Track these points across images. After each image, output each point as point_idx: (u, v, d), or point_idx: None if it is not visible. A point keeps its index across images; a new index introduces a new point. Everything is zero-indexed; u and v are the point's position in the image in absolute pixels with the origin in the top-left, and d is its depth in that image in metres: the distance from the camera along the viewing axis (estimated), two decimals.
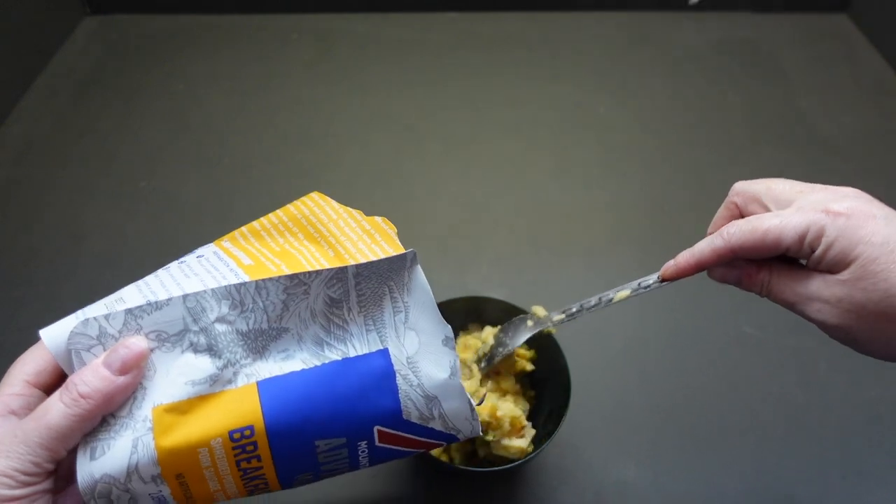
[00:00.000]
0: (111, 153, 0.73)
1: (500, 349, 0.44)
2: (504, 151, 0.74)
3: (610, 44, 0.89)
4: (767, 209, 0.33)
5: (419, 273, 0.29)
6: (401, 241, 0.33)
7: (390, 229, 0.32)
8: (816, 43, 0.90)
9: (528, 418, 0.48)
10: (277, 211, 0.34)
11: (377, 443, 0.30)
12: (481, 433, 0.31)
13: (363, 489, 0.47)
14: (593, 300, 0.39)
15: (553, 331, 0.47)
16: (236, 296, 0.28)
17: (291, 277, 0.28)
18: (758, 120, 0.78)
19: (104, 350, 0.27)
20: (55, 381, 0.29)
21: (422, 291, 0.29)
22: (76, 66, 0.85)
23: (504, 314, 0.49)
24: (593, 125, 0.77)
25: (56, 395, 0.27)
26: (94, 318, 0.27)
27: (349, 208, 0.33)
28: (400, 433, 0.30)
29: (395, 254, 0.29)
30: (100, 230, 0.65)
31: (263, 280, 0.28)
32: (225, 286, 0.28)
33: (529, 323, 0.44)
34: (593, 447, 0.50)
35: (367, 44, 0.88)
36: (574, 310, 0.41)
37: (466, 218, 0.67)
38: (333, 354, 0.29)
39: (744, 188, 0.35)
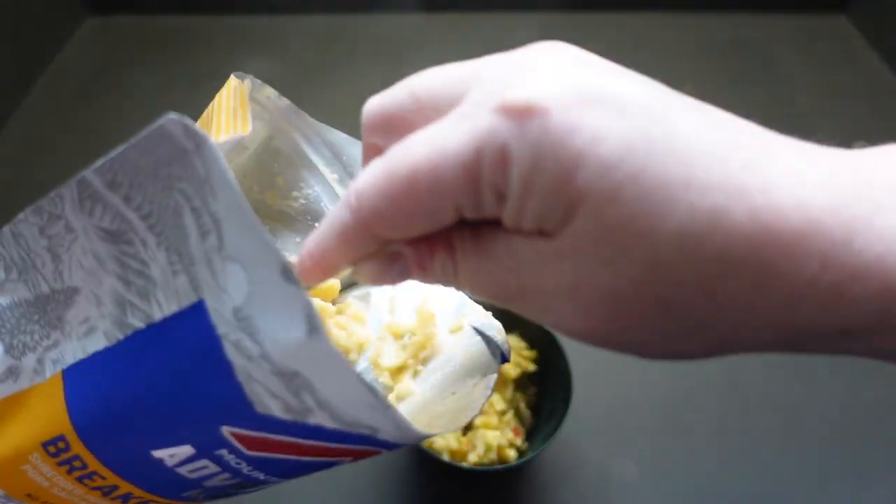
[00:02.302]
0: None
1: None
2: None
3: (610, 44, 0.89)
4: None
5: (216, 157, 0.15)
6: None
7: (248, 87, 0.21)
8: (815, 43, 0.90)
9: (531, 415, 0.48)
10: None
11: (247, 452, 0.19)
12: (425, 433, 0.18)
13: (362, 487, 0.47)
14: None
15: None
16: (4, 253, 0.20)
17: (38, 211, 0.19)
18: (757, 120, 0.77)
19: None
20: None
21: (227, 189, 0.15)
22: (77, 67, 0.85)
23: (504, 314, 0.49)
24: None
25: None
26: None
27: (239, 83, 0.22)
28: (269, 436, 0.18)
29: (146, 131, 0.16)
30: None
31: (14, 222, 0.20)
32: None
33: None
34: (593, 447, 0.50)
35: (367, 44, 0.88)
36: None
37: None
38: (136, 320, 0.18)
39: (375, 112, 0.19)
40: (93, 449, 0.19)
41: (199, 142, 0.16)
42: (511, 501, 0.47)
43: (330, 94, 0.81)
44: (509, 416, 0.46)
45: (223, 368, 0.17)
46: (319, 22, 0.91)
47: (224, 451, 0.19)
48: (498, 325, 0.25)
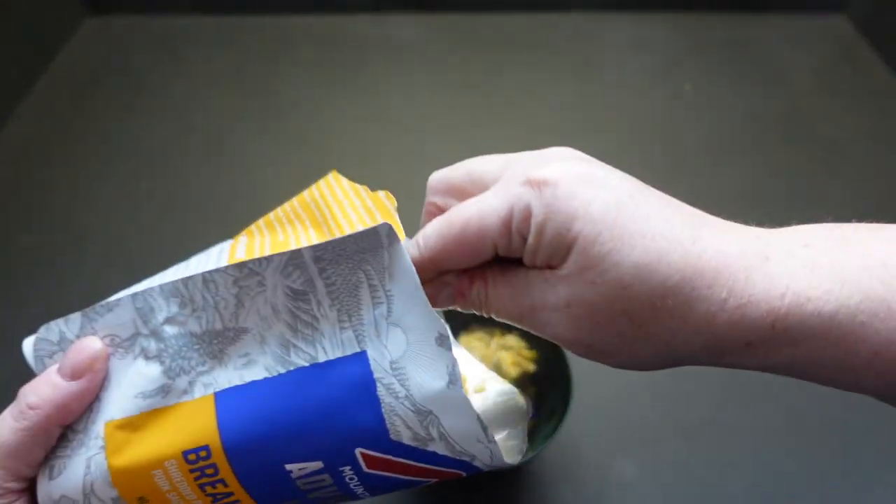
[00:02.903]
0: (111, 153, 0.73)
1: None
2: (504, 152, 0.74)
3: (610, 44, 0.89)
4: None
5: (402, 253, 0.23)
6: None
7: (390, 203, 0.28)
8: (816, 43, 0.90)
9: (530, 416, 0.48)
10: (294, 198, 0.32)
11: (366, 469, 0.24)
12: (510, 462, 0.25)
13: None
14: None
15: None
16: (185, 292, 0.25)
17: (240, 267, 0.24)
18: (758, 120, 0.78)
19: None
20: None
21: (406, 277, 0.23)
22: (77, 67, 0.85)
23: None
24: (594, 125, 0.77)
25: (8, 408, 0.25)
26: (55, 323, 0.25)
27: (357, 185, 0.30)
28: (392, 458, 0.24)
29: (361, 229, 0.23)
30: (100, 230, 0.65)
31: (210, 272, 0.24)
32: (172, 282, 0.25)
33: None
34: (593, 446, 0.50)
35: (367, 44, 0.88)
36: None
37: None
38: (300, 360, 0.24)
39: (439, 181, 0.26)
40: (232, 459, 0.24)
41: (393, 241, 0.23)
42: (511, 501, 0.47)
43: (329, 93, 0.81)
44: None
45: (373, 404, 0.23)
46: (319, 22, 0.91)
47: (347, 468, 0.24)
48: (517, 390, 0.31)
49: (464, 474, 0.25)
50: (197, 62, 0.85)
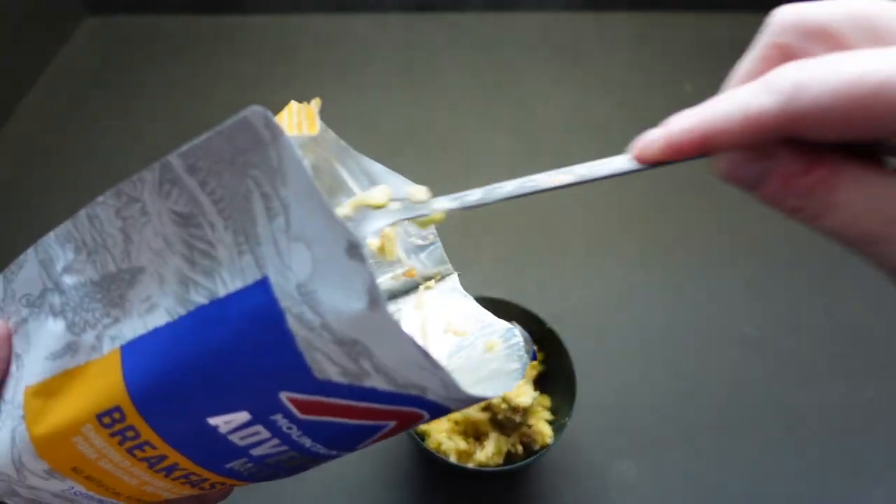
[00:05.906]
0: (111, 153, 0.73)
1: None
2: (504, 151, 0.74)
3: (610, 44, 0.89)
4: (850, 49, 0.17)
5: (290, 149, 0.17)
6: None
7: (316, 105, 0.24)
8: None
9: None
10: None
11: (300, 416, 0.20)
12: (472, 393, 0.19)
13: (362, 487, 0.47)
14: (509, 187, 0.24)
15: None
16: (76, 235, 0.21)
17: (117, 193, 0.20)
18: None
19: None
20: None
21: (300, 177, 0.17)
22: (76, 67, 0.84)
23: (504, 314, 0.49)
24: (593, 125, 0.77)
25: None
26: None
27: (295, 104, 0.26)
28: (325, 399, 0.20)
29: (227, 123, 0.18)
30: None
31: (92, 205, 0.20)
32: (64, 224, 0.21)
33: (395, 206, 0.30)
34: (594, 447, 0.50)
35: (367, 44, 0.88)
36: (472, 199, 0.23)
37: (466, 218, 0.67)
38: (200, 297, 0.20)
39: (796, 18, 0.18)
40: (148, 418, 0.20)
41: (276, 133, 0.17)
42: (511, 501, 0.47)
43: (330, 93, 0.81)
44: None
45: (285, 339, 0.18)
46: (319, 22, 0.91)
47: (279, 416, 0.20)
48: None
49: (427, 415, 0.21)
50: (197, 62, 0.85)
